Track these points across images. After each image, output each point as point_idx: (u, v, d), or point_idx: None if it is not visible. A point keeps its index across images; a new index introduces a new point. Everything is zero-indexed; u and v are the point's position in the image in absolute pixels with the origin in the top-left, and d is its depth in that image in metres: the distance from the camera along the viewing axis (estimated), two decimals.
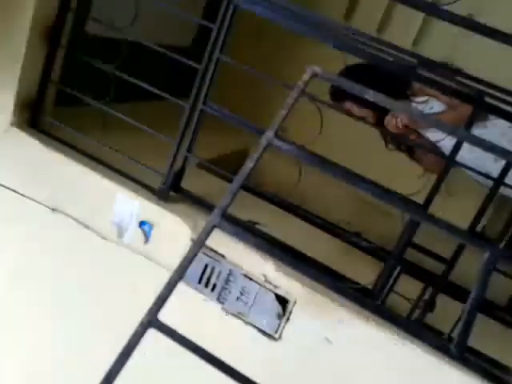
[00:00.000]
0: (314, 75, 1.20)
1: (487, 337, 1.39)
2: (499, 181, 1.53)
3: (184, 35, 2.94)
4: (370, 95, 1.52)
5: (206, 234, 0.97)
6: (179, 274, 0.91)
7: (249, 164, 1.10)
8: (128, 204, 1.73)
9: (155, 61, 1.99)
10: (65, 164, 1.82)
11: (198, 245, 0.96)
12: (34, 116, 1.95)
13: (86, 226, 1.77)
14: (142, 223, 1.70)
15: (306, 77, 1.19)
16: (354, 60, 1.84)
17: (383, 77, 1.92)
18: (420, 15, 3.01)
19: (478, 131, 1.89)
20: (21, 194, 1.83)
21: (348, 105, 2.15)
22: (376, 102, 1.63)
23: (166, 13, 1.78)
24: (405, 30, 3.05)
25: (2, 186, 1.85)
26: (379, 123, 2.14)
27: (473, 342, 1.39)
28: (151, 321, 0.84)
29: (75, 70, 1.93)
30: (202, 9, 2.96)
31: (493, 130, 1.90)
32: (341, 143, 2.12)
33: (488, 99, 1.64)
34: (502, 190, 1.76)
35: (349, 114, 2.11)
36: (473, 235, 1.40)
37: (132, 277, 1.69)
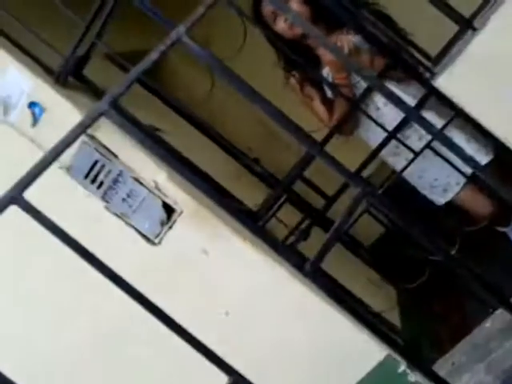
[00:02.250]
0: None
1: (346, 270, 1.55)
2: (392, 133, 1.63)
3: None
4: (291, 16, 1.49)
5: (91, 119, 0.93)
6: (54, 155, 0.87)
7: (152, 56, 1.04)
8: (20, 80, 1.59)
9: None
10: None
11: (80, 128, 0.92)
12: None
13: None
14: (32, 104, 1.57)
15: None
16: None
17: (316, 6, 1.87)
18: None
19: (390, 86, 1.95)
20: None
21: (292, 79, 1.96)
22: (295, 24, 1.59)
23: None
24: None
25: None
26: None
27: (332, 271, 1.54)
28: (14, 197, 0.80)
29: None
30: None
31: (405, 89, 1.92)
32: (261, 68, 2.09)
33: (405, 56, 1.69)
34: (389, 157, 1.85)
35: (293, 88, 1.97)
36: (355, 175, 1.49)
37: (12, 158, 1.59)
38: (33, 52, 1.70)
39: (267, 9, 1.85)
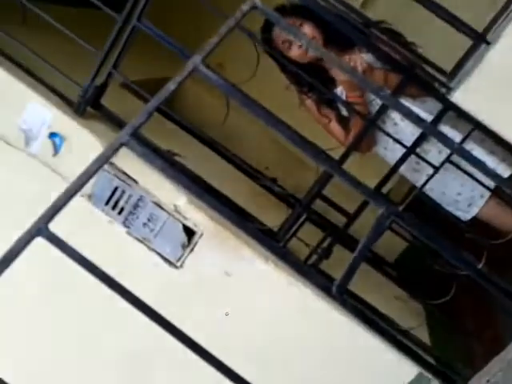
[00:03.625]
0: (254, 7, 1.16)
1: (372, 287, 1.52)
2: (411, 149, 1.62)
3: None
4: (304, 41, 1.51)
5: (112, 150, 0.94)
6: (77, 186, 0.89)
7: (170, 86, 1.06)
8: (40, 112, 1.62)
9: None
10: None
11: (102, 160, 0.93)
12: None
13: None
14: (52, 135, 1.61)
15: (244, 8, 1.15)
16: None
17: (327, 29, 1.89)
18: None
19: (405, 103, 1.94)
20: None
21: (308, 100, 1.99)
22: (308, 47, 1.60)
23: None
24: None
25: None
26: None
27: (357, 290, 1.52)
28: (40, 229, 0.81)
29: None
30: None
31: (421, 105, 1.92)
32: (274, 89, 2.10)
33: (420, 73, 1.69)
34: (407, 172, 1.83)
35: (309, 109, 1.98)
36: (376, 194, 1.48)
37: (35, 188, 1.62)
38: (52, 84, 1.74)
39: (279, 37, 1.87)
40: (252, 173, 1.88)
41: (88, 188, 1.57)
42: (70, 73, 1.71)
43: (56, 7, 1.87)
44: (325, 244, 1.58)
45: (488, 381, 1.18)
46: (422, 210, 1.53)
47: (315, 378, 1.51)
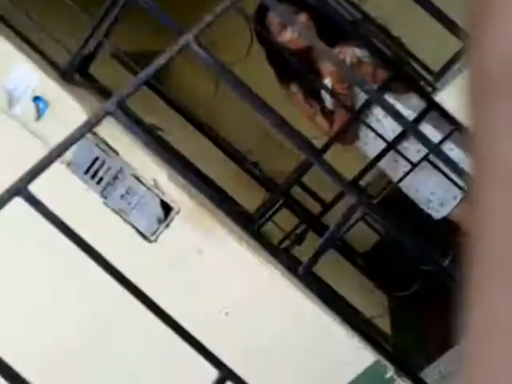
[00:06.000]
0: None
1: (340, 275, 1.57)
2: (391, 144, 1.65)
3: None
4: (298, 28, 1.52)
5: (97, 118, 0.95)
6: (59, 150, 0.90)
7: (160, 60, 1.07)
8: (27, 75, 1.61)
9: None
10: None
11: (86, 127, 0.94)
12: None
13: None
14: (37, 98, 1.59)
15: None
16: None
17: (321, 20, 1.90)
18: None
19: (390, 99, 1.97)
20: None
21: (294, 88, 1.97)
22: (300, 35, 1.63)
23: None
24: None
25: None
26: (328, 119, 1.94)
27: (325, 276, 1.56)
28: (20, 189, 0.82)
29: None
30: None
31: (406, 102, 1.95)
32: (267, 69, 2.11)
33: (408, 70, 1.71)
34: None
35: (294, 99, 1.96)
36: (353, 186, 1.51)
37: (13, 149, 1.61)
38: (40, 47, 1.72)
39: (274, 20, 1.87)
40: (234, 155, 1.90)
41: (68, 155, 1.57)
42: (62, 39, 1.69)
43: None
44: (298, 230, 1.61)
45: (440, 372, 1.23)
46: (397, 207, 1.57)
47: (274, 357, 1.55)
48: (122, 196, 1.57)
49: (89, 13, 1.66)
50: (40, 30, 1.69)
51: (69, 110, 1.59)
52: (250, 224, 1.50)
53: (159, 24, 1.65)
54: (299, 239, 1.58)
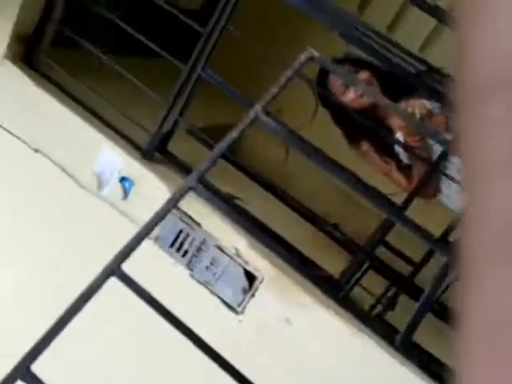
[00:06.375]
0: (311, 58, 1.19)
1: (436, 336, 1.44)
2: None
3: None
4: (361, 87, 1.52)
5: (180, 194, 0.98)
6: (148, 229, 0.92)
7: (233, 134, 1.10)
8: (112, 157, 1.71)
9: (161, 18, 1.95)
10: (54, 106, 1.79)
11: (171, 204, 0.97)
12: (29, 52, 1.91)
13: (67, 173, 1.76)
14: (122, 179, 1.68)
15: (302, 58, 1.18)
16: (356, 53, 1.83)
17: (383, 77, 1.90)
18: (432, 21, 3.00)
19: None
20: (5, 129, 1.80)
21: (365, 146, 1.97)
22: (365, 95, 1.61)
23: None
24: (415, 32, 3.04)
25: None
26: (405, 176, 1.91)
27: (422, 340, 1.45)
28: (114, 269, 0.84)
29: (78, 12, 1.89)
30: None
31: None
32: (335, 130, 2.12)
33: None
34: None
35: (367, 157, 1.96)
36: (442, 243, 1.43)
37: (104, 230, 1.68)
38: (122, 130, 1.84)
39: (335, 82, 1.89)
40: (313, 218, 1.88)
41: (155, 230, 1.62)
42: (138, 119, 1.81)
43: (127, 58, 2.00)
44: (389, 294, 1.52)
45: None
46: None
47: None
48: (206, 267, 1.58)
49: (160, 91, 1.77)
50: (120, 114, 1.82)
51: (152, 186, 1.67)
52: (336, 290, 1.44)
53: (227, 97, 1.72)
54: (391, 304, 1.49)
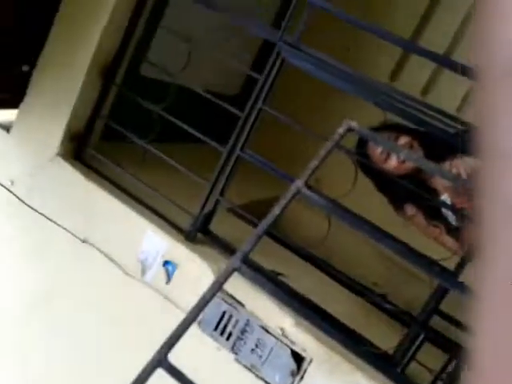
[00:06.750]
0: (350, 130, 1.21)
1: None
2: None
3: (232, 84, 3.04)
4: (403, 153, 1.51)
5: (225, 276, 0.97)
6: (194, 315, 0.91)
7: (275, 211, 1.10)
8: (156, 242, 1.75)
9: (201, 106, 2.06)
10: (101, 197, 1.87)
11: (216, 287, 0.96)
12: (79, 148, 2.03)
13: (112, 260, 1.80)
14: (165, 263, 1.71)
15: (341, 130, 1.20)
16: (394, 119, 1.84)
17: (424, 140, 1.88)
18: (466, 82, 3.01)
19: None
20: (55, 223, 1.89)
21: (412, 211, 1.92)
22: (409, 160, 1.58)
23: (217, 62, 1.86)
24: (449, 95, 3.05)
25: (39, 213, 1.92)
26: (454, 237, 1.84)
27: None
28: (160, 360, 0.83)
29: (124, 107, 2.02)
30: (252, 60, 3.06)
31: None
32: (376, 197, 2.09)
33: None
34: None
35: (415, 222, 1.90)
36: None
37: (149, 316, 1.68)
38: (165, 214, 1.89)
39: (375, 150, 1.88)
40: (359, 289, 1.81)
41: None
42: (181, 202, 1.86)
43: (170, 145, 2.10)
44: (449, 368, 1.41)
45: None
46: None
47: None
48: (252, 350, 1.53)
49: (201, 173, 1.82)
50: (163, 198, 1.87)
51: (195, 268, 1.67)
52: (391, 366, 1.35)
53: (262, 172, 1.75)
54: (453, 379, 1.37)
